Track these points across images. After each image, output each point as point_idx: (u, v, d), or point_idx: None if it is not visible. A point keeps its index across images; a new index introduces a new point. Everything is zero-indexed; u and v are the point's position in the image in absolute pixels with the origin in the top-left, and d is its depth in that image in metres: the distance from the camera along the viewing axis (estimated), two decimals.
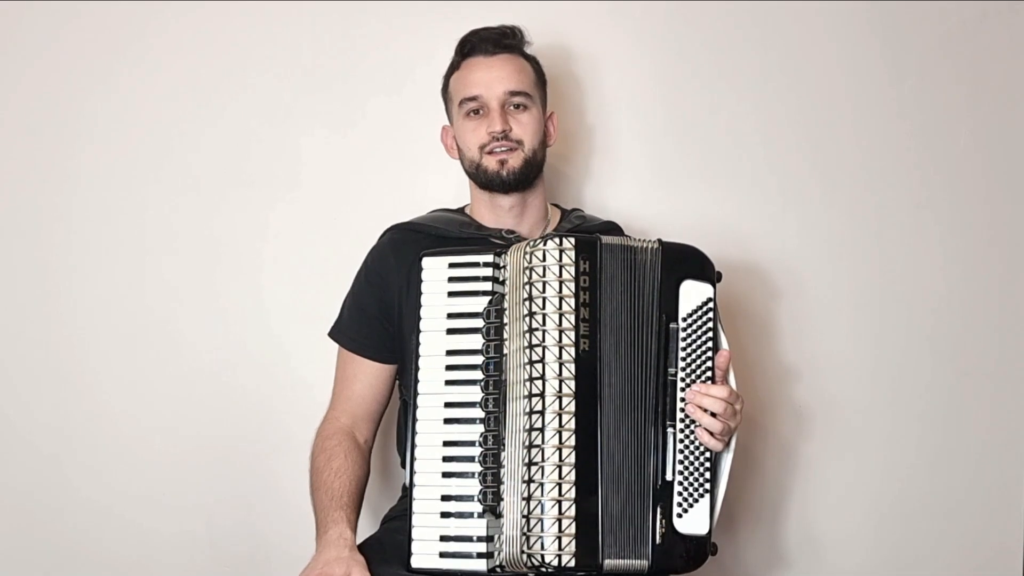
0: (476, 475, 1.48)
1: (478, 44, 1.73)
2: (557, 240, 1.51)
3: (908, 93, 2.15)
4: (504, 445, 1.48)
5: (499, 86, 1.70)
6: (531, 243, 1.52)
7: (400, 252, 1.71)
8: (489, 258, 1.55)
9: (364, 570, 1.50)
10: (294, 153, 2.07)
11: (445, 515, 1.48)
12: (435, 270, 1.56)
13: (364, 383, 1.74)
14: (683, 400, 1.51)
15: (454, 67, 1.77)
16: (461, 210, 1.82)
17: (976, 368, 2.17)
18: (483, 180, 1.73)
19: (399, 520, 1.66)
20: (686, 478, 1.50)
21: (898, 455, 2.16)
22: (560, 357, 1.47)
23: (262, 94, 2.06)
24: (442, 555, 1.47)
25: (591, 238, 1.54)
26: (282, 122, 2.06)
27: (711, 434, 1.50)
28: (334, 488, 1.62)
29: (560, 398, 1.46)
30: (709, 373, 1.53)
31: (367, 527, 1.84)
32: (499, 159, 1.70)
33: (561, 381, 1.47)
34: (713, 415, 1.50)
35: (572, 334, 1.48)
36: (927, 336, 2.16)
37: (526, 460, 1.45)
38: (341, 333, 1.77)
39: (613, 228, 1.83)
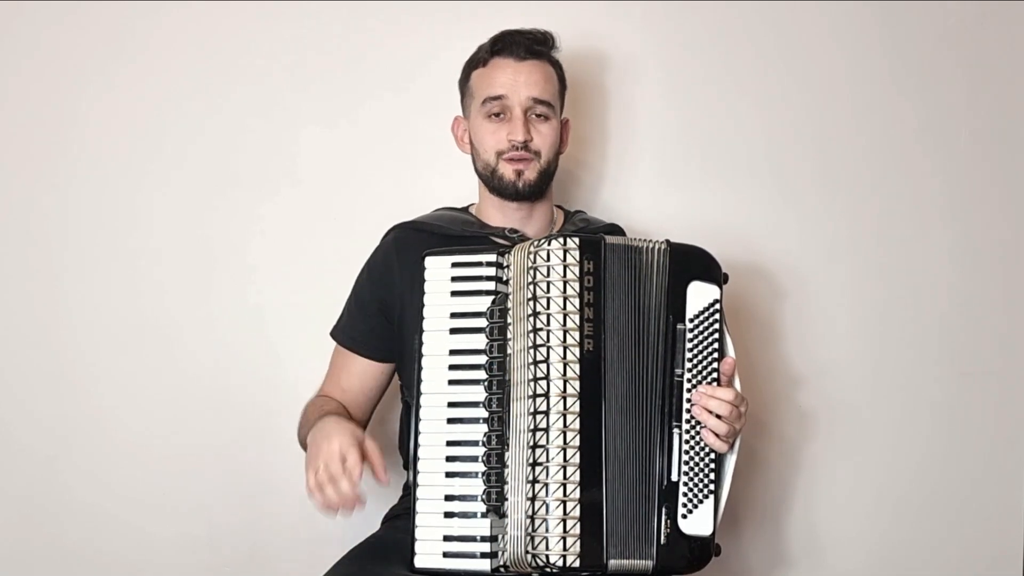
0: (480, 475, 1.48)
1: (510, 45, 1.71)
2: (561, 240, 1.50)
3: (910, 93, 2.16)
4: (508, 445, 1.48)
5: (525, 91, 1.69)
6: (535, 243, 1.51)
7: (404, 251, 1.70)
8: (492, 257, 1.54)
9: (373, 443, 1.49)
10: (292, 151, 2.07)
11: (448, 515, 1.48)
12: (438, 269, 1.55)
13: (357, 377, 1.74)
14: (689, 401, 1.51)
15: (480, 62, 1.74)
16: (466, 209, 1.82)
17: (979, 369, 2.17)
18: (497, 186, 1.72)
19: (401, 519, 1.66)
20: (691, 479, 1.49)
21: (901, 456, 2.16)
22: (564, 357, 1.46)
23: (260, 91, 2.06)
24: (445, 555, 1.46)
25: (595, 238, 1.53)
26: (279, 119, 2.06)
27: (716, 436, 1.49)
28: (327, 408, 1.63)
29: (564, 398, 1.46)
30: (715, 375, 1.52)
31: (366, 527, 1.84)
32: (516, 169, 1.70)
33: (565, 381, 1.46)
34: (719, 417, 1.49)
35: (576, 335, 1.47)
36: (930, 336, 2.17)
37: (530, 460, 1.45)
38: (340, 331, 1.77)
39: (616, 230, 1.83)
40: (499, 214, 1.75)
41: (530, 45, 1.71)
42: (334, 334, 1.78)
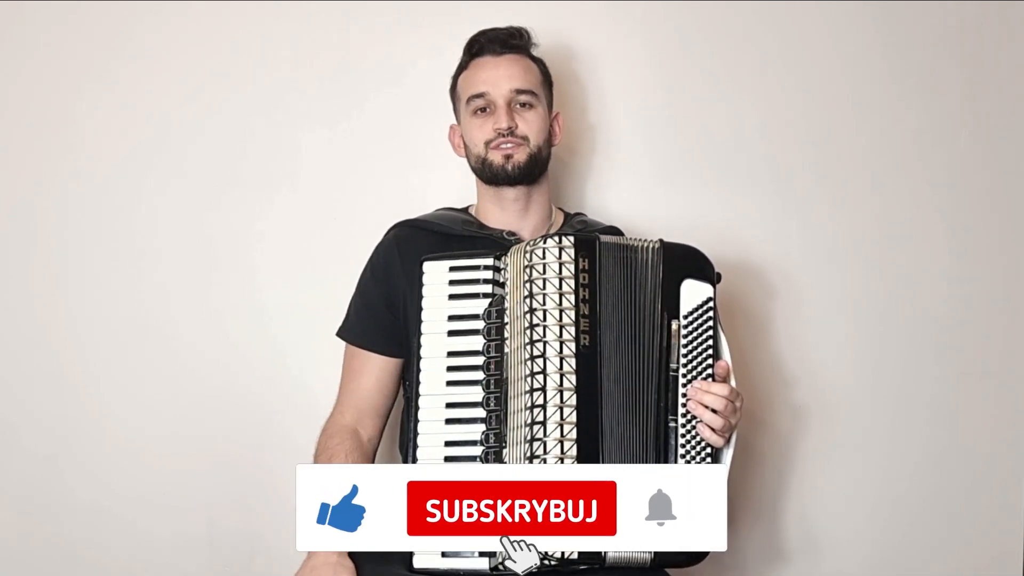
0: None
1: (486, 44, 1.76)
2: (556, 239, 1.54)
3: (909, 93, 2.15)
4: (506, 442, 1.49)
5: (506, 84, 1.73)
6: (531, 242, 1.55)
7: (405, 248, 1.73)
8: (489, 261, 1.58)
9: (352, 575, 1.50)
10: (292, 151, 2.07)
11: None
12: (436, 274, 1.59)
13: (370, 376, 1.74)
14: (684, 396, 1.52)
15: (462, 67, 1.80)
16: (465, 210, 1.83)
17: (976, 367, 2.16)
18: (488, 174, 1.74)
19: None
20: None
21: (897, 453, 2.16)
22: (561, 352, 1.48)
23: (260, 91, 2.06)
24: (444, 554, 1.47)
25: (590, 237, 1.56)
26: (280, 119, 2.07)
27: (712, 430, 1.51)
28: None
29: (561, 392, 1.47)
30: (710, 371, 1.54)
31: None
32: (505, 153, 1.72)
33: (562, 375, 1.48)
34: (714, 411, 1.50)
35: (572, 330, 1.49)
36: (926, 335, 2.16)
37: (528, 455, 1.46)
38: (348, 331, 1.78)
39: (614, 233, 1.83)
40: (496, 208, 1.77)
41: (505, 40, 1.76)
42: (342, 334, 1.78)
